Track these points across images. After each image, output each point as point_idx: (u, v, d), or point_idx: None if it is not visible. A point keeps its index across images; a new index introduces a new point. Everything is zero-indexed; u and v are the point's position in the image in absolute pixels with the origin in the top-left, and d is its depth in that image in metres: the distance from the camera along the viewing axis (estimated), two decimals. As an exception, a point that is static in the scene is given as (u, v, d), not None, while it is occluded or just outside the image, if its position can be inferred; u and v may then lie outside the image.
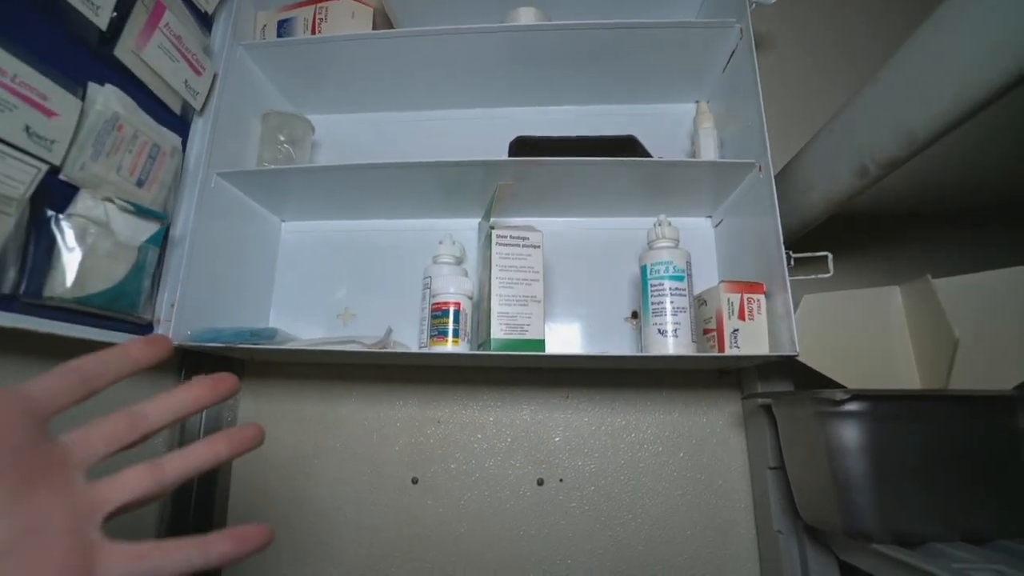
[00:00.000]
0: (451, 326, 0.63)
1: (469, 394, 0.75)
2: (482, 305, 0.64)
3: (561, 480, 0.71)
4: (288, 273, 0.81)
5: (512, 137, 0.73)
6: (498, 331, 0.59)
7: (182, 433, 0.71)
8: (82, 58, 0.51)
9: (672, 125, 0.80)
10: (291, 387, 0.77)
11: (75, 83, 0.49)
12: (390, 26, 0.74)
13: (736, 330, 0.58)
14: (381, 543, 0.71)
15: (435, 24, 0.83)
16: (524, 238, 0.63)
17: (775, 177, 0.59)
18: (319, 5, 0.72)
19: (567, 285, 0.76)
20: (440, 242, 0.73)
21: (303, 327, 0.77)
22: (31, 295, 0.46)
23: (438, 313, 0.64)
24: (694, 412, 0.73)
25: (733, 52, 0.68)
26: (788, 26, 0.86)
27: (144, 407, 0.25)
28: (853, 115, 0.54)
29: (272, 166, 0.71)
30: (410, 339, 0.74)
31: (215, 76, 0.68)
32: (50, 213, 0.47)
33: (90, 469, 0.22)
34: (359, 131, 0.86)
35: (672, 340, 0.60)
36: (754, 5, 0.64)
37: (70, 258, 0.48)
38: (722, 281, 0.59)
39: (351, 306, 0.78)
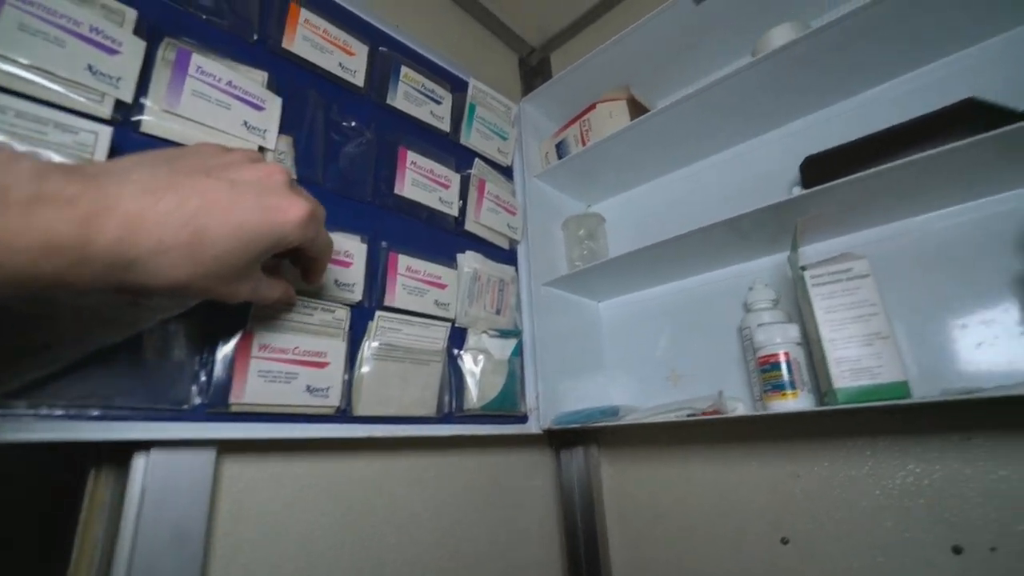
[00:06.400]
0: (785, 378, 0.60)
1: (828, 443, 0.68)
2: (814, 349, 0.59)
3: (993, 549, 0.56)
4: (613, 346, 0.91)
5: (800, 153, 0.65)
6: (841, 379, 0.54)
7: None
8: (450, 241, 0.73)
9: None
10: (644, 450, 0.85)
11: (450, 259, 0.71)
12: (643, 108, 0.80)
13: None
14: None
15: (684, 82, 0.86)
16: (846, 270, 0.57)
17: None
18: (582, 120, 0.84)
19: (912, 302, 0.62)
20: (750, 288, 0.71)
21: (639, 394, 0.85)
22: (456, 410, 0.66)
23: (767, 367, 0.62)
24: None
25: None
26: None
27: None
28: None
29: (580, 264, 0.84)
30: (738, 391, 0.73)
31: (524, 209, 0.86)
32: (456, 352, 0.68)
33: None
34: (637, 205, 0.93)
35: None
36: None
37: (472, 380, 0.68)
38: None
39: (675, 367, 0.82)
